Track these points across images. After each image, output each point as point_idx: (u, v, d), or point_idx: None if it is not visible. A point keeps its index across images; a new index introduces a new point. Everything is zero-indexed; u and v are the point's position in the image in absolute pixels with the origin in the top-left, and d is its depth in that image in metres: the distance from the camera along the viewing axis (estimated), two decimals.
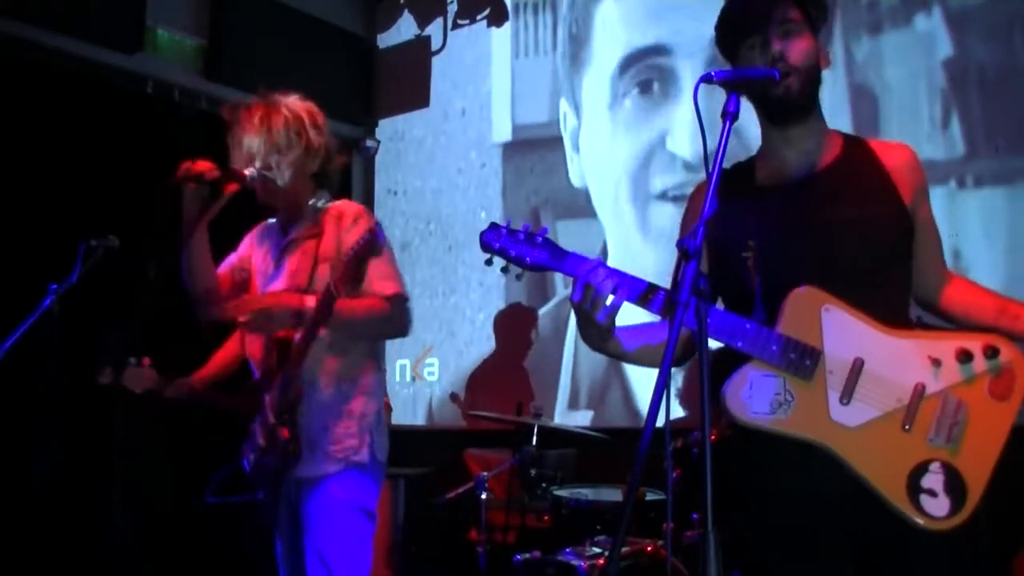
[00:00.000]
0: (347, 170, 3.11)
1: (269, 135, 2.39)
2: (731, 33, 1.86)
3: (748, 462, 1.87)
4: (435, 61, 5.97)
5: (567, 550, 3.10)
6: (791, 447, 1.74)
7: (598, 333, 1.80)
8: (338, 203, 2.57)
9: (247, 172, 2.38)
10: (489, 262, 1.82)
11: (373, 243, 2.19)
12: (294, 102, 2.47)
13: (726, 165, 1.72)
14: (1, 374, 2.83)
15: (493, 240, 1.80)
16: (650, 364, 1.89)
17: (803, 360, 1.71)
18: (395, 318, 2.44)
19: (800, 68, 1.79)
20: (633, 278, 1.76)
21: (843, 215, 1.80)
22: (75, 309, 3.07)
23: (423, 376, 5.68)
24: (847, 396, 1.71)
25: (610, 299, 1.73)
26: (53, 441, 3.91)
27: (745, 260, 1.79)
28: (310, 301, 2.29)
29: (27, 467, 3.86)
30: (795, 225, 1.82)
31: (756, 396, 1.71)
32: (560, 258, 1.78)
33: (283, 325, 2.35)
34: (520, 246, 1.79)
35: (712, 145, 1.64)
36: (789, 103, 1.82)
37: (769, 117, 1.88)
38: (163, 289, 2.33)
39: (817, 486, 1.75)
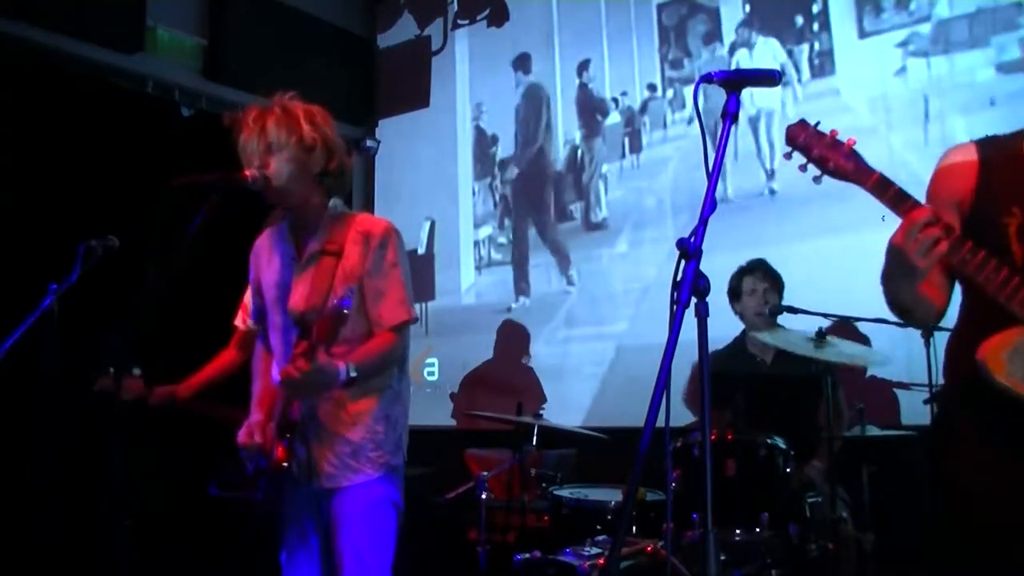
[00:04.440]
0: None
1: (263, 133, 2.39)
2: None
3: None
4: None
5: (567, 550, 3.10)
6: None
7: (911, 272, 1.73)
8: (362, 216, 2.54)
9: (248, 173, 2.38)
10: (788, 156, 1.80)
11: (340, 315, 2.19)
12: (290, 100, 2.46)
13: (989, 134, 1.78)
14: (1, 374, 2.83)
15: (799, 134, 1.79)
16: (924, 313, 1.86)
17: None
18: (397, 351, 2.47)
19: None
20: (952, 232, 1.70)
21: None
22: (75, 309, 3.07)
23: (423, 376, 5.68)
24: None
25: (927, 249, 1.67)
26: (53, 441, 3.91)
27: (1006, 226, 1.75)
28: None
29: (27, 467, 3.86)
30: None
31: (1017, 360, 1.69)
32: (865, 174, 1.74)
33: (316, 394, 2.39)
34: (824, 148, 1.76)
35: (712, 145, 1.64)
36: None
37: None
38: (163, 291, 2.32)
39: None
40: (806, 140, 1.77)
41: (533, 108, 5.59)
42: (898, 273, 1.76)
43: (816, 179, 1.78)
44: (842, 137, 1.79)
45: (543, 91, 5.55)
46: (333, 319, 2.22)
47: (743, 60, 4.78)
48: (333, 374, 2.28)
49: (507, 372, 5.42)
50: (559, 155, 5.43)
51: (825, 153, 1.76)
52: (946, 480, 1.84)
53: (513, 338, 5.46)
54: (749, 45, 4.78)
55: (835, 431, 3.32)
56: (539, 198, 5.50)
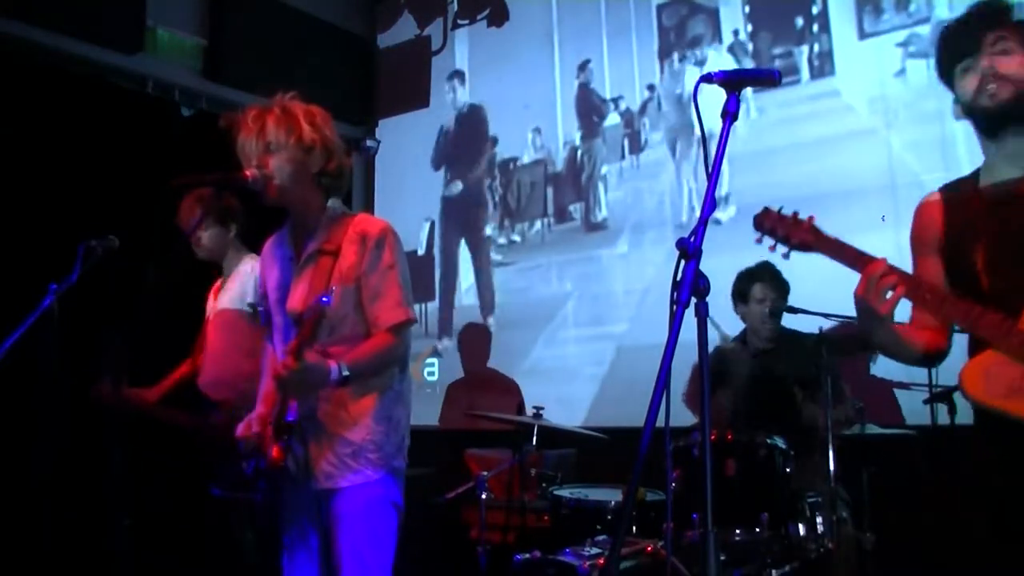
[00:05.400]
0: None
1: (263, 133, 2.39)
2: (948, 57, 1.94)
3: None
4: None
5: (567, 550, 3.09)
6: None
7: (878, 321, 1.87)
8: (360, 217, 2.53)
9: (248, 174, 2.38)
10: (759, 240, 1.97)
11: (319, 312, 2.21)
12: (290, 100, 2.46)
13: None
14: (1, 374, 2.83)
15: (764, 220, 1.96)
16: (907, 355, 2.00)
17: None
18: (396, 350, 2.45)
19: (1008, 77, 1.84)
20: (908, 276, 1.85)
21: None
22: (75, 309, 3.07)
23: (423, 376, 5.68)
24: None
25: (889, 294, 1.83)
26: (53, 441, 3.91)
27: (974, 262, 1.88)
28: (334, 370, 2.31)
29: (27, 467, 3.86)
30: (1021, 231, 1.86)
31: (993, 380, 1.79)
32: (825, 243, 1.91)
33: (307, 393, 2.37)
34: (788, 228, 1.93)
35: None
36: (997, 112, 1.86)
37: (981, 129, 1.93)
38: (163, 292, 2.32)
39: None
40: (771, 224, 1.95)
41: (472, 131, 5.66)
42: (867, 321, 1.90)
43: (785, 255, 1.96)
44: (802, 214, 1.94)
45: (483, 112, 5.62)
46: (314, 316, 2.22)
47: (693, 77, 4.78)
48: (323, 373, 2.28)
49: (484, 377, 5.45)
50: (504, 173, 5.44)
51: (788, 233, 1.92)
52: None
53: (478, 342, 5.51)
54: (700, 63, 4.84)
55: (838, 416, 3.32)
56: (475, 218, 5.67)
